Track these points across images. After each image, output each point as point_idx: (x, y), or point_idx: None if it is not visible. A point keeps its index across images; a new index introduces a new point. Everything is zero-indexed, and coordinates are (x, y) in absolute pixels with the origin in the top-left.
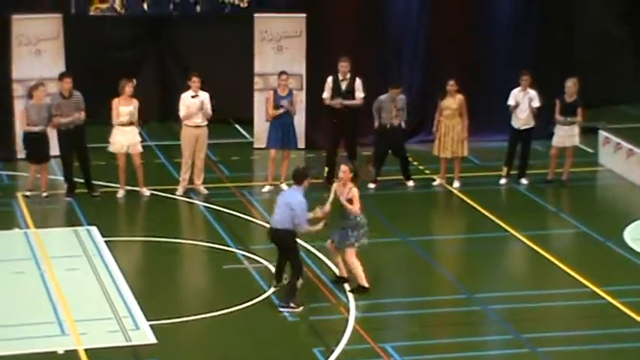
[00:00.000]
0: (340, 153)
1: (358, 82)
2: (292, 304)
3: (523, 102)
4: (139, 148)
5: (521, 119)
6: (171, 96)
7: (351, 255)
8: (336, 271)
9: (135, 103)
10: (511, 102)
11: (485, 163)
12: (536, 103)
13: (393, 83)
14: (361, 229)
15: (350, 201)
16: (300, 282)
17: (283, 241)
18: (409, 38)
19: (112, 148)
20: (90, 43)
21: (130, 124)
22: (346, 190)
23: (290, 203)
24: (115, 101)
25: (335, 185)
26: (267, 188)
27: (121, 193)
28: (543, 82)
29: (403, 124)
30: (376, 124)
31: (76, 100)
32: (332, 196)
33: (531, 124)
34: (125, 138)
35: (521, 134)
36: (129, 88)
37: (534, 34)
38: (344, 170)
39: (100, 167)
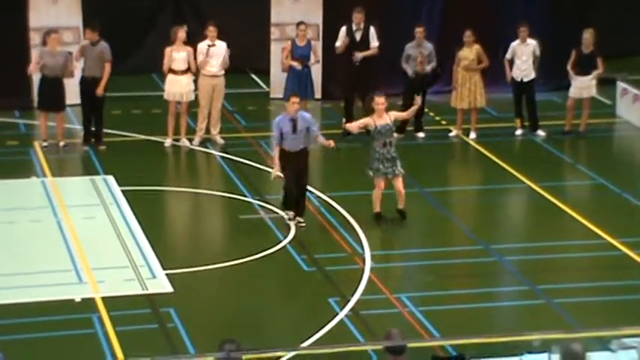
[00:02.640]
0: (357, 103)
1: (372, 30)
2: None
3: (525, 53)
4: (192, 97)
5: (523, 70)
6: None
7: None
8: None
9: (188, 50)
10: (508, 55)
11: (502, 115)
12: (538, 51)
13: (416, 24)
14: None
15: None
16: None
17: None
18: None
19: (166, 97)
20: None
21: (184, 72)
22: (388, 117)
23: None
24: (168, 49)
25: (366, 120)
26: None
27: (168, 142)
28: (560, 34)
29: (429, 68)
30: (409, 72)
31: (101, 49)
32: (360, 122)
33: (532, 75)
34: (178, 86)
35: (523, 86)
36: (181, 33)
37: None
38: (382, 102)
39: (115, 117)
